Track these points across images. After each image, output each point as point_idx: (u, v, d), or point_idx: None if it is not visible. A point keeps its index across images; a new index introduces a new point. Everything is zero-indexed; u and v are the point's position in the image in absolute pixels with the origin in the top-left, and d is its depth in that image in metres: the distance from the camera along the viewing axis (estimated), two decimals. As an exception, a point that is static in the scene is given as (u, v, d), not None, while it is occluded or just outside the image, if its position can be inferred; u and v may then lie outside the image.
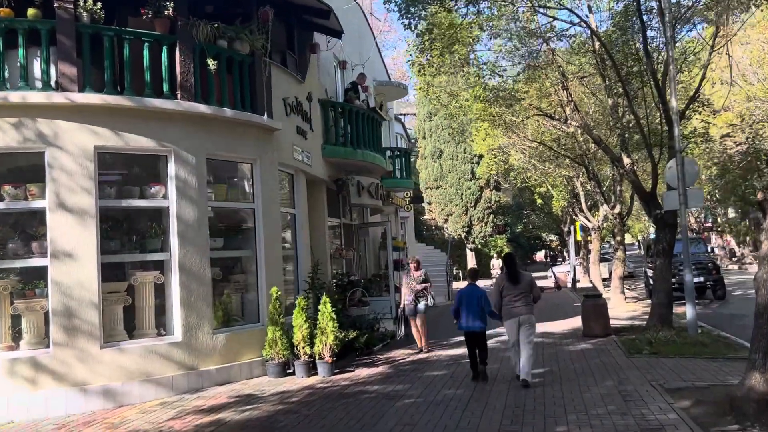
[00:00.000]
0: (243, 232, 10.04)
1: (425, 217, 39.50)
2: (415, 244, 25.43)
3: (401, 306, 11.54)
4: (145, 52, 8.55)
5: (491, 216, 36.15)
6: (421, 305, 11.16)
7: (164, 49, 8.73)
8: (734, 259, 40.97)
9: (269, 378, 9.21)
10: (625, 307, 17.65)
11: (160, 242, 8.82)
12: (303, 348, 9.24)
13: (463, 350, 10.63)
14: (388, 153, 18.73)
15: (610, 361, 9.25)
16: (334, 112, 12.91)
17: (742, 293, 20.60)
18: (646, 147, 12.75)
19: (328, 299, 9.40)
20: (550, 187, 27.85)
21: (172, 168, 8.78)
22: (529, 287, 7.97)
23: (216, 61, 9.11)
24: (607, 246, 41.46)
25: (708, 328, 12.09)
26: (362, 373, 9.38)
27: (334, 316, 9.26)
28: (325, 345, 9.17)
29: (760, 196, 27.91)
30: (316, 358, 9.25)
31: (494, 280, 11.09)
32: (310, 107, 11.94)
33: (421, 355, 10.73)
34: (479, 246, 36.57)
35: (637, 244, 73.37)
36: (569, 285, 27.28)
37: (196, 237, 8.86)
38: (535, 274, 37.40)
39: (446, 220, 36.43)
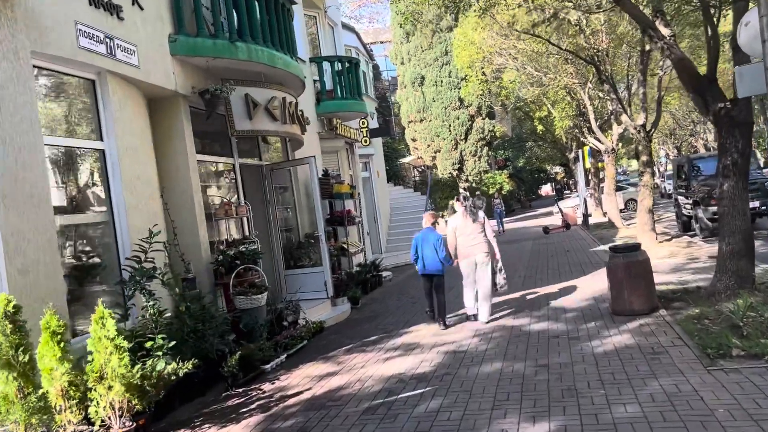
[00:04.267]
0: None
1: (409, 158, 34.55)
2: (386, 187, 20.62)
3: None
4: None
5: (485, 148, 31.12)
6: None
7: None
8: None
9: (7, 472, 4.68)
10: (659, 250, 12.90)
11: None
12: (68, 410, 4.64)
13: (405, 365, 6.20)
14: (326, 65, 13.80)
15: (679, 386, 4.63)
16: (192, -16, 7.95)
17: (807, 219, 15.85)
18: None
19: (107, 312, 4.70)
20: (550, 108, 22.77)
21: None
22: (482, 227, 7.99)
23: None
24: (619, 172, 36.58)
25: (814, 286, 7.45)
26: (193, 446, 4.85)
27: (125, 344, 4.63)
28: (111, 402, 4.58)
29: None
30: (96, 427, 4.66)
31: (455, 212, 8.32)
32: (132, -32, 7.00)
33: (334, 382, 6.14)
34: (473, 184, 31.58)
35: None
36: (580, 222, 22.53)
37: None
38: (542, 210, 32.80)
39: (434, 158, 31.45)
